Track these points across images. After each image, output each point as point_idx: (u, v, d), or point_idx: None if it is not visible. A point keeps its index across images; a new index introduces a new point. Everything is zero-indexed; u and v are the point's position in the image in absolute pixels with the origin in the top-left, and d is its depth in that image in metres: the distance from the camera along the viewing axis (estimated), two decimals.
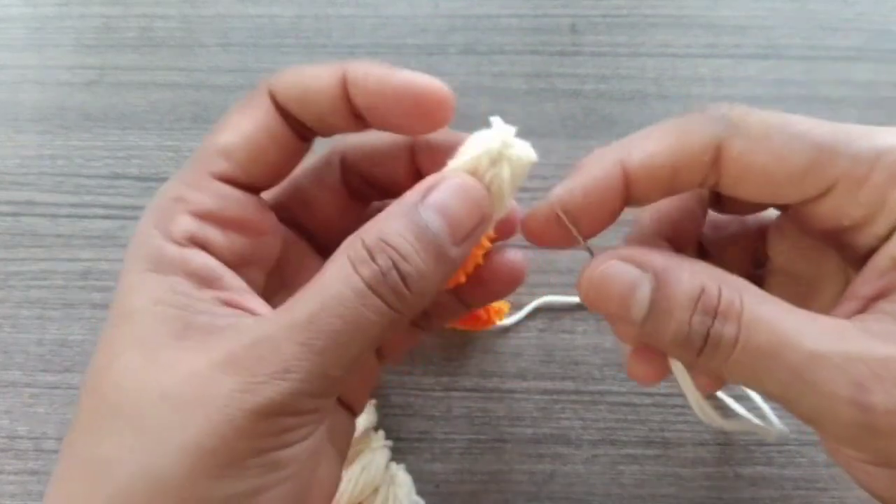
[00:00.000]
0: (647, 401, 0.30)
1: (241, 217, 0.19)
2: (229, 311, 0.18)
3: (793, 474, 0.29)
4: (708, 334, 0.18)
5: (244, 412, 0.16)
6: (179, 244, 0.18)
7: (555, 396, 0.30)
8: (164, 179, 0.32)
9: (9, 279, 0.32)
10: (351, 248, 0.17)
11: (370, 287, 0.17)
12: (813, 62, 0.34)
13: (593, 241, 0.20)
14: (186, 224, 0.18)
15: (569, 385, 0.30)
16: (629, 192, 0.19)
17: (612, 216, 0.20)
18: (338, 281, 0.17)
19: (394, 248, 0.17)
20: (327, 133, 0.20)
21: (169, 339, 0.17)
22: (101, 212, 0.33)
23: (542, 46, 0.35)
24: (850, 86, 0.34)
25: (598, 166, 0.19)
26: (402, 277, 0.17)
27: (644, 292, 0.18)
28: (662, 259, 0.19)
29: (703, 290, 0.18)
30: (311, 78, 0.19)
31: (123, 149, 0.34)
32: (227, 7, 0.36)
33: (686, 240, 0.22)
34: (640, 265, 0.19)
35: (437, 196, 0.18)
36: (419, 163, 0.21)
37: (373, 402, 0.29)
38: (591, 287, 0.19)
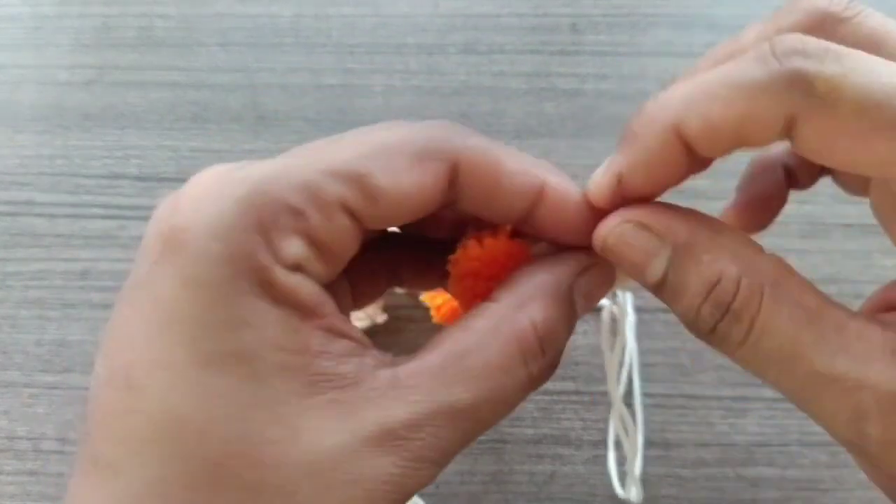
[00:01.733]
0: (648, 402, 0.29)
1: (348, 255, 0.17)
2: (340, 345, 0.16)
3: (795, 475, 0.28)
4: (715, 328, 0.17)
5: (405, 495, 0.15)
6: (288, 268, 0.15)
7: (555, 397, 0.30)
8: (163, 179, 0.33)
9: (7, 279, 0.32)
10: (521, 333, 0.16)
11: (531, 380, 0.17)
12: None
13: None
14: (298, 249, 0.16)
15: (569, 385, 0.30)
16: (691, 157, 0.17)
17: (677, 182, 0.18)
18: (506, 375, 0.16)
19: (557, 339, 0.17)
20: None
21: (298, 398, 0.15)
22: (99, 211, 0.32)
23: (543, 46, 0.35)
24: None
25: (653, 136, 0.17)
26: (554, 365, 0.17)
27: (659, 265, 0.17)
28: (687, 230, 0.17)
29: (720, 279, 0.16)
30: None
31: (122, 148, 0.34)
32: (227, 6, 0.36)
33: None
34: (660, 234, 0.17)
35: (589, 283, 0.18)
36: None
37: None
38: (606, 248, 0.18)
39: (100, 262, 0.32)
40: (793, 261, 0.33)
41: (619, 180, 0.17)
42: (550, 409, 0.29)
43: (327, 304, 0.16)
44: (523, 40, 0.35)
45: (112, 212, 0.32)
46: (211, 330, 0.15)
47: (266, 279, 0.15)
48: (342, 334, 0.16)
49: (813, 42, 0.15)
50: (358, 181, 0.16)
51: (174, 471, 0.15)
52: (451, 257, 0.19)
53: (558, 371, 0.31)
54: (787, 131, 0.16)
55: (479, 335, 0.16)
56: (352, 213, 0.16)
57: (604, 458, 0.29)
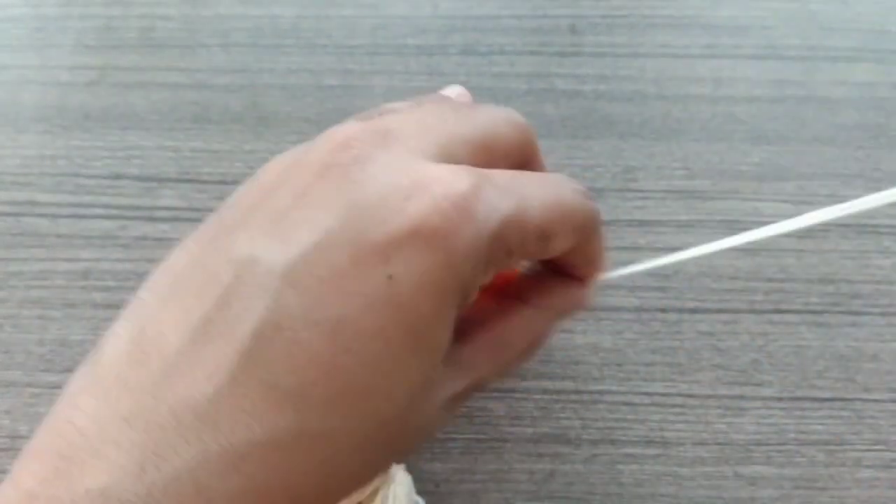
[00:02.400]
0: (647, 400, 0.30)
1: None
2: None
3: (792, 474, 0.29)
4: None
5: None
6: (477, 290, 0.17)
7: (554, 396, 0.30)
8: (164, 179, 0.33)
9: (9, 279, 0.32)
10: (530, 339, 0.20)
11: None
12: (812, 63, 0.34)
13: None
14: (485, 280, 0.17)
15: (568, 384, 0.30)
16: None
17: None
18: (519, 362, 0.20)
19: (540, 346, 0.21)
20: None
21: (436, 380, 0.18)
22: (101, 212, 0.33)
23: (542, 47, 0.35)
24: (848, 86, 0.34)
25: None
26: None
27: None
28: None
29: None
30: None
31: (124, 149, 0.34)
32: (228, 7, 0.36)
33: None
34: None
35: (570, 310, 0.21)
36: None
37: None
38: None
39: (102, 262, 0.32)
40: (790, 261, 0.34)
41: None
42: (550, 408, 0.30)
43: None
44: (523, 41, 0.35)
45: (114, 212, 0.33)
46: (443, 320, 0.16)
47: (466, 294, 0.17)
48: None
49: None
50: (545, 242, 0.18)
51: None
52: None
53: (557, 370, 0.31)
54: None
55: (514, 331, 0.20)
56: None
57: (603, 456, 0.29)
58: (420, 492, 0.28)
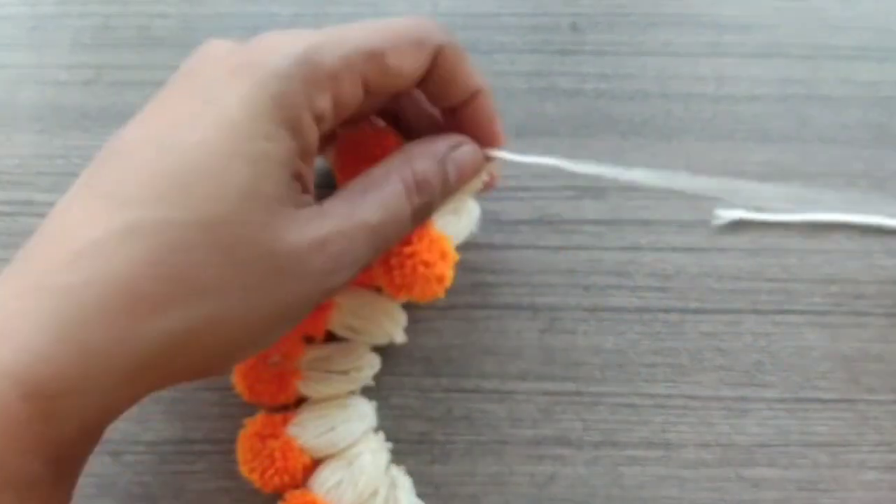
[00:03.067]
0: (649, 402, 0.29)
1: (348, 116, 0.22)
2: (308, 179, 0.22)
3: (795, 476, 0.28)
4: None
5: (325, 294, 0.21)
6: (314, 117, 0.20)
7: (555, 398, 0.30)
8: None
9: None
10: (405, 177, 0.22)
11: (413, 213, 0.23)
12: (816, 61, 0.34)
13: None
14: (325, 104, 0.21)
15: (570, 386, 0.30)
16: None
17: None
18: (398, 200, 0.22)
19: (430, 188, 0.23)
20: None
21: (283, 206, 0.20)
22: None
23: (543, 45, 0.35)
24: (852, 85, 0.34)
25: None
26: (428, 208, 0.24)
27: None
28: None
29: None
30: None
31: None
32: (226, 6, 0.36)
33: None
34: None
35: (460, 156, 0.24)
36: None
37: (372, 403, 0.29)
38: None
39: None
40: (793, 261, 0.33)
41: None
42: (551, 410, 0.29)
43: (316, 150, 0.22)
44: (523, 39, 0.35)
45: None
46: (261, 130, 0.19)
47: (296, 118, 0.20)
48: (309, 173, 0.22)
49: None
50: (377, 59, 0.21)
51: (188, 219, 0.19)
52: (339, 138, 0.26)
53: (558, 372, 0.31)
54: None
55: (376, 178, 0.22)
56: (367, 84, 0.21)
57: (605, 459, 0.29)
58: (420, 494, 0.28)
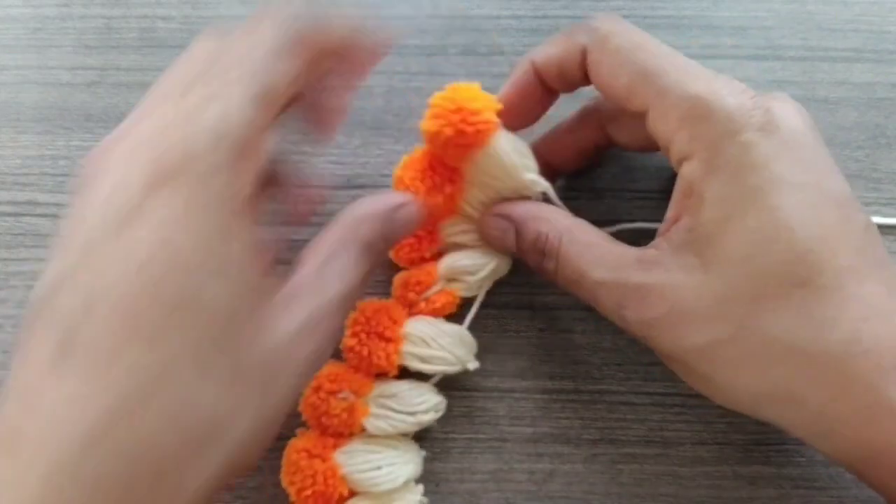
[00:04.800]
0: (647, 400, 0.30)
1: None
2: (271, 260, 0.22)
3: (791, 473, 0.29)
4: (541, 265, 0.26)
5: (316, 369, 0.22)
6: (252, 190, 0.21)
7: (554, 396, 0.30)
8: None
9: (10, 279, 0.32)
10: (356, 242, 0.23)
11: (366, 275, 0.24)
12: (811, 63, 0.34)
13: None
14: (255, 173, 0.21)
15: (568, 384, 0.30)
16: (542, 82, 0.27)
17: (542, 103, 0.29)
18: (355, 267, 0.23)
19: (378, 248, 0.24)
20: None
21: (262, 297, 0.20)
22: None
23: None
24: (848, 87, 0.34)
25: (520, 67, 0.28)
26: (377, 265, 0.25)
27: (511, 236, 0.27)
28: (520, 212, 0.27)
29: (538, 235, 0.26)
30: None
31: None
32: (228, 8, 0.36)
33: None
34: (507, 218, 0.27)
35: (404, 215, 0.25)
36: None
37: (423, 453, 0.28)
38: (484, 232, 0.28)
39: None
40: None
41: (503, 101, 0.27)
42: (549, 408, 0.30)
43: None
44: (522, 42, 0.35)
45: None
46: (214, 242, 0.19)
47: (247, 199, 0.20)
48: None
49: (608, 16, 0.26)
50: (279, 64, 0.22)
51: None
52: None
53: (557, 370, 0.31)
54: (583, 62, 0.26)
55: (332, 246, 0.23)
56: (296, 77, 0.22)
57: (603, 456, 0.29)
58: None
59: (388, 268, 0.30)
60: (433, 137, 0.26)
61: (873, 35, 0.35)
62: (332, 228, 0.23)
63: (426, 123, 0.26)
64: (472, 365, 0.28)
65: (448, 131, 0.25)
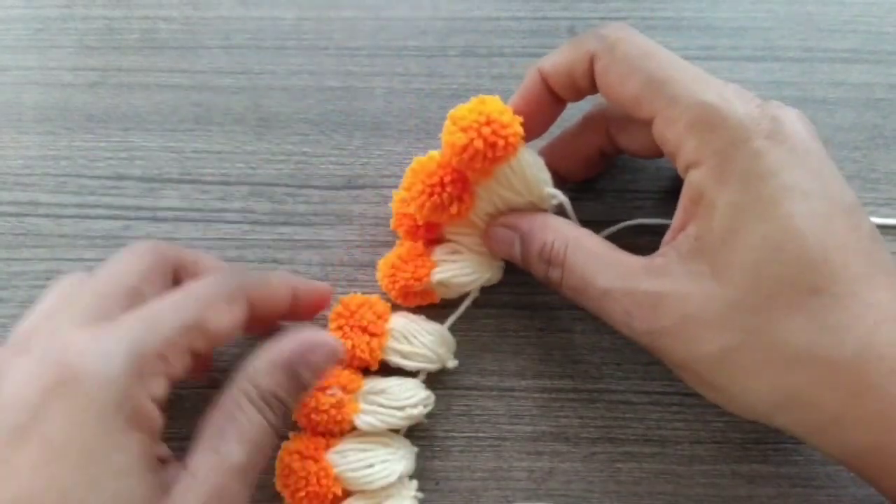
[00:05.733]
0: (645, 399, 0.30)
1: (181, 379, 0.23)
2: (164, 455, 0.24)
3: (789, 472, 0.29)
4: (547, 275, 0.27)
5: None
6: (154, 402, 0.21)
7: (553, 395, 0.30)
8: (166, 180, 0.33)
9: (12, 279, 0.32)
10: (253, 399, 0.23)
11: (275, 424, 0.24)
12: (809, 64, 0.35)
13: None
14: (161, 387, 0.22)
15: (567, 383, 0.30)
16: (551, 91, 0.27)
17: (551, 112, 0.28)
18: (256, 427, 0.23)
19: (283, 398, 0.24)
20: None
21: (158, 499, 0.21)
22: (104, 212, 0.33)
23: (541, 49, 0.35)
24: (845, 87, 0.34)
25: (529, 76, 0.27)
26: (289, 409, 0.25)
27: (517, 247, 0.27)
28: (527, 222, 0.27)
29: (544, 245, 0.26)
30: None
31: (126, 150, 0.34)
32: (230, 9, 0.36)
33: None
34: (513, 228, 0.27)
35: (316, 357, 0.25)
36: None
37: (415, 449, 0.29)
38: (488, 242, 0.28)
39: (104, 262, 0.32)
40: None
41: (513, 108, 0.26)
42: (549, 407, 0.30)
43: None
44: (522, 43, 0.35)
45: (116, 212, 0.33)
46: (98, 456, 0.20)
47: (140, 412, 0.21)
48: (162, 459, 0.23)
49: (618, 24, 0.26)
50: (198, 329, 0.22)
51: None
52: None
53: (556, 369, 0.32)
54: (591, 69, 0.25)
55: (228, 409, 0.23)
56: (196, 353, 0.23)
57: (601, 455, 0.29)
58: (420, 490, 0.29)
59: (380, 245, 0.31)
60: (461, 150, 0.25)
61: (871, 36, 0.35)
62: (227, 391, 0.23)
63: (454, 136, 0.25)
64: (452, 363, 0.29)
65: (478, 144, 0.24)
